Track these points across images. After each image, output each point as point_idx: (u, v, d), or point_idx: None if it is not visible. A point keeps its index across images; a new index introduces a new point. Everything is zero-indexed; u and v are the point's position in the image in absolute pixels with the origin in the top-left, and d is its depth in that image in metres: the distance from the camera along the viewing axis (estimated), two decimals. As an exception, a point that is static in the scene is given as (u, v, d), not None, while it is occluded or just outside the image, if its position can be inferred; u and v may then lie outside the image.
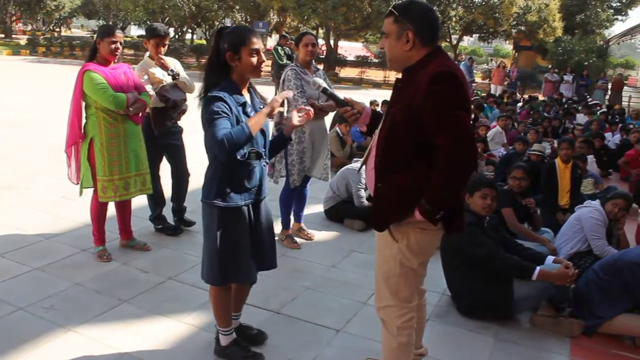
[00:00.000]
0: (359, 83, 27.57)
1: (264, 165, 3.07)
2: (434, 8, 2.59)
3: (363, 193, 5.82)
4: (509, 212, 5.07)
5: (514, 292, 3.93)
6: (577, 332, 3.94)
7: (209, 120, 2.76)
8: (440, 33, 2.60)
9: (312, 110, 3.05)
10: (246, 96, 2.99)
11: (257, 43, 2.86)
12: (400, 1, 2.57)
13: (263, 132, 3.02)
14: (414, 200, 2.48)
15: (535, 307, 4.10)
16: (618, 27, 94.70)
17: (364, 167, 2.85)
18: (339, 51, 33.72)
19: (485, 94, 17.45)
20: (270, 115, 2.93)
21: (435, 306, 4.19)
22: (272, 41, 39.24)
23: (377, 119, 2.83)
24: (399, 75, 2.63)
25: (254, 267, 3.11)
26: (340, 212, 5.90)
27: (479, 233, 4.03)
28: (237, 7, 35.22)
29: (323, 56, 31.10)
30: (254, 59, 2.85)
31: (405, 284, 2.69)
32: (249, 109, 2.93)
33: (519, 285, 3.93)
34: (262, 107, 3.04)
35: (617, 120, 13.48)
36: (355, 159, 6.62)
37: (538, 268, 3.85)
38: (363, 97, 13.84)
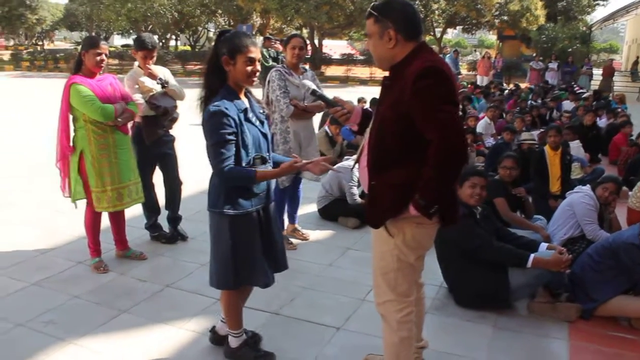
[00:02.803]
0: (345, 81, 27.60)
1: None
2: (413, 2, 2.59)
3: (356, 190, 5.85)
4: (501, 202, 5.10)
5: (509, 281, 3.96)
6: (574, 316, 3.98)
7: (214, 141, 2.80)
8: (422, 27, 2.60)
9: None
10: (245, 101, 2.98)
11: (254, 52, 2.86)
12: (377, 1, 2.58)
13: (265, 135, 3.05)
14: (408, 196, 2.49)
15: (532, 294, 4.13)
16: (600, 12, 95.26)
17: (356, 165, 2.87)
18: (324, 50, 33.78)
19: (471, 85, 17.49)
20: (285, 174, 3.10)
21: (433, 299, 4.22)
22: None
23: (368, 118, 2.83)
24: (386, 73, 2.63)
25: (269, 269, 3.12)
26: (334, 210, 5.93)
27: (472, 224, 4.05)
28: (220, 11, 35.19)
29: (308, 56, 31.09)
30: (249, 68, 2.86)
31: (403, 279, 2.71)
32: (250, 115, 2.95)
33: (515, 273, 3.96)
34: (261, 111, 3.09)
35: (603, 104, 13.56)
36: (346, 157, 6.65)
37: (532, 255, 3.88)
38: (350, 94, 13.88)
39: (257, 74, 2.92)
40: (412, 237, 2.62)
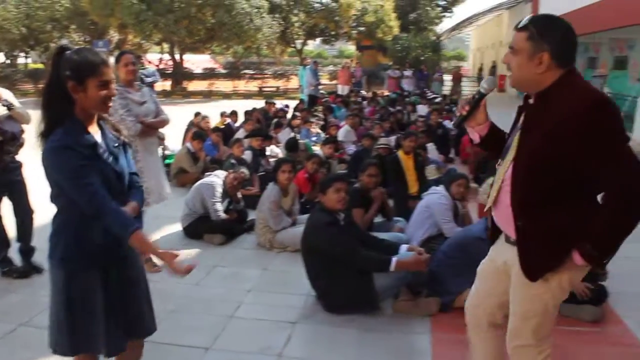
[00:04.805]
0: (208, 95, 27.22)
1: None
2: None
3: (219, 206, 5.78)
4: (357, 213, 5.24)
5: (374, 285, 4.10)
6: (435, 310, 4.20)
7: (69, 175, 2.30)
8: (576, 53, 2.29)
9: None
10: (95, 134, 2.47)
11: (108, 73, 2.38)
12: (534, 15, 2.29)
13: (120, 174, 2.54)
14: (569, 243, 2.24)
15: (395, 295, 4.30)
16: (447, 23, 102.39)
17: (491, 203, 2.53)
18: (186, 65, 33.21)
19: (332, 95, 18.00)
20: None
21: (301, 308, 4.27)
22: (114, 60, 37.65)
23: (495, 135, 2.60)
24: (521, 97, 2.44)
25: (120, 334, 2.59)
26: (199, 228, 5.81)
27: (337, 232, 4.15)
28: (73, 26, 33.42)
29: (170, 71, 30.42)
30: (104, 92, 2.36)
31: (546, 322, 2.48)
32: (101, 150, 2.44)
33: (379, 277, 4.10)
34: (116, 145, 2.55)
35: (452, 107, 14.55)
36: (207, 173, 6.52)
37: (394, 259, 4.03)
38: (213, 109, 13.71)
39: (113, 97, 2.46)
40: (569, 280, 2.38)
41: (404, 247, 4.34)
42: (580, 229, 2.19)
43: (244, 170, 6.17)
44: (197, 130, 8.92)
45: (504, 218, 2.42)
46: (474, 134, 2.62)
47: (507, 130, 2.58)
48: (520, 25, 2.24)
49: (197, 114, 11.01)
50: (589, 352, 3.75)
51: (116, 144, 2.57)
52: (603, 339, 3.96)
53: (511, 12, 31.56)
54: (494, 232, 2.62)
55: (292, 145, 8.51)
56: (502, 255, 2.54)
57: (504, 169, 2.39)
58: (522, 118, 2.38)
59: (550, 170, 2.21)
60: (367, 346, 3.75)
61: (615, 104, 2.16)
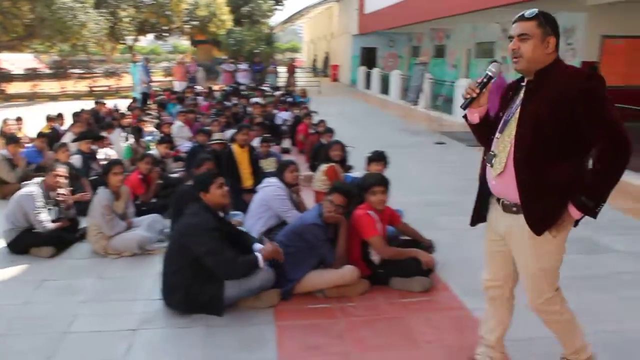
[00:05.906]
0: (32, 98, 25.00)
1: None
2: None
3: (44, 217, 5.35)
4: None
5: (224, 294, 4.09)
6: (276, 300, 4.29)
7: None
8: None
9: None
10: None
11: None
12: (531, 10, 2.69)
13: None
14: (565, 196, 2.66)
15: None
16: (280, 16, 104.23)
17: (493, 175, 2.84)
18: (4, 65, 30.51)
19: (167, 92, 17.51)
20: None
21: (142, 314, 4.14)
22: None
23: (488, 117, 2.97)
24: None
25: None
26: (25, 242, 5.35)
27: (217, 238, 4.08)
28: None
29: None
30: None
31: (556, 273, 2.91)
32: None
33: (231, 286, 4.10)
34: None
35: (290, 99, 14.83)
36: (24, 182, 5.95)
37: (260, 256, 4.14)
38: (38, 112, 12.76)
39: None
40: (566, 236, 2.81)
41: (256, 247, 4.38)
42: (575, 185, 2.63)
43: (61, 167, 5.73)
44: (9, 135, 8.25)
45: (509, 183, 2.76)
46: (474, 115, 2.97)
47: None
48: (528, 15, 2.67)
49: (5, 121, 10.11)
50: (422, 319, 4.06)
51: None
52: (433, 306, 4.31)
53: (340, 4, 33.01)
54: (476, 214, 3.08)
55: (136, 132, 8.31)
56: (502, 224, 2.91)
57: (510, 138, 2.76)
58: (521, 94, 2.79)
59: (549, 130, 2.62)
60: (213, 343, 3.74)
61: (602, 76, 2.62)
